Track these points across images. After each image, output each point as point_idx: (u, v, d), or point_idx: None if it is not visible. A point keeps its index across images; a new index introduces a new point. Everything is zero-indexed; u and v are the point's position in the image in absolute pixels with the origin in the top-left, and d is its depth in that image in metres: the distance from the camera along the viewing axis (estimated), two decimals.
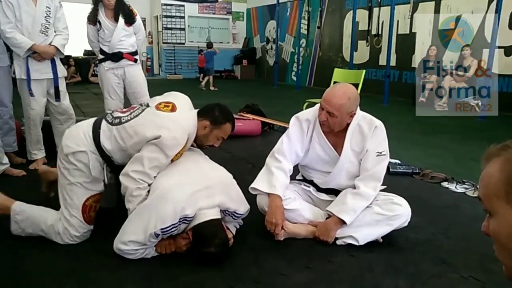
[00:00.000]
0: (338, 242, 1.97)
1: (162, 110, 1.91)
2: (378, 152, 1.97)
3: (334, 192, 2.12)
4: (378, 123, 2.01)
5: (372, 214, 1.94)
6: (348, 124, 1.99)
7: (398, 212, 1.94)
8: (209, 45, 10.77)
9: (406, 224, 1.99)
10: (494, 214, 0.77)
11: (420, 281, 1.66)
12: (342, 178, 2.07)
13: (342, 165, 2.03)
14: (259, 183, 2.04)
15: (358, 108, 2.01)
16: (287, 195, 2.05)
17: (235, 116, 4.52)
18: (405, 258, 1.86)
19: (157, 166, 1.82)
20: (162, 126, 1.82)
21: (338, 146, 2.03)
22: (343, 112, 1.91)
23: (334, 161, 2.04)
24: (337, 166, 2.03)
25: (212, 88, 10.18)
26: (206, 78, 10.39)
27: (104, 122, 1.95)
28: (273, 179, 2.00)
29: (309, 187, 2.18)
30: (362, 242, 1.93)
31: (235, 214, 1.94)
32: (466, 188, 2.77)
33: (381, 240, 1.98)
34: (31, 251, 1.86)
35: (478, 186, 0.81)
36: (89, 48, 3.93)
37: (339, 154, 2.02)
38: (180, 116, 1.92)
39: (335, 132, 2.01)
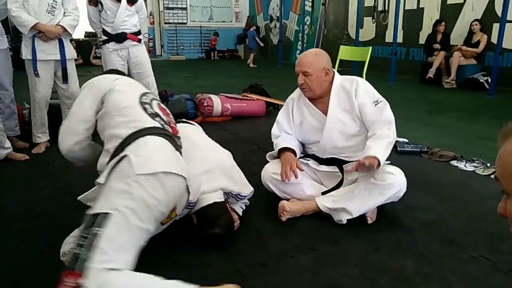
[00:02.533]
0: (336, 219, 1.94)
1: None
2: (374, 102, 1.99)
3: (335, 162, 2.11)
4: (359, 78, 2.06)
5: (365, 184, 1.91)
6: (330, 88, 2.04)
7: (390, 181, 1.89)
8: (251, 25, 11.63)
9: (400, 194, 1.94)
10: None
11: (428, 262, 1.63)
12: (336, 139, 2.06)
13: (331, 124, 2.04)
14: (269, 155, 2.20)
15: (337, 72, 2.08)
16: None
17: (238, 96, 4.54)
18: (413, 238, 1.83)
19: None
20: None
21: (327, 111, 2.06)
22: (315, 68, 1.99)
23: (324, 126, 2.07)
24: (326, 125, 2.04)
25: (252, 65, 10.86)
26: (251, 56, 11.19)
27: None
28: (278, 144, 2.12)
29: (308, 160, 2.18)
30: (356, 214, 1.91)
31: (239, 196, 1.91)
32: (475, 167, 2.72)
33: (374, 219, 1.94)
34: (38, 252, 1.84)
35: (495, 165, 0.76)
36: (90, 30, 3.90)
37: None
38: None
39: (318, 95, 2.05)
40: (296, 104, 2.16)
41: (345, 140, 2.06)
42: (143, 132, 1.45)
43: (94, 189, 1.43)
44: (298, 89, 2.17)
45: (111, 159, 1.42)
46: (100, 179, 1.37)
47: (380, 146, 1.87)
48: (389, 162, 2.04)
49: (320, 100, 2.07)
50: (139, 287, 1.19)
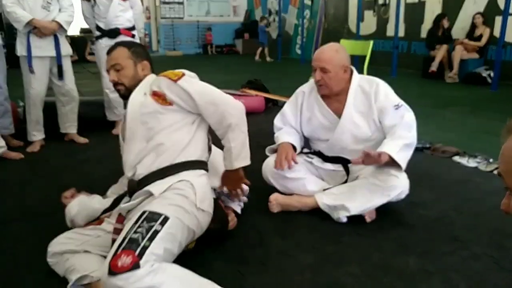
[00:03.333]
0: (335, 217, 1.91)
1: None
2: (395, 105, 1.91)
3: (341, 161, 2.07)
4: (379, 80, 1.99)
5: (367, 184, 1.88)
6: (348, 87, 1.98)
7: (394, 183, 1.85)
8: (261, 19, 11.49)
9: (403, 196, 1.91)
10: None
11: (431, 259, 1.61)
12: (346, 141, 2.02)
13: (343, 125, 1.99)
14: (268, 149, 2.15)
15: (356, 71, 2.01)
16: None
17: (237, 92, 4.50)
18: (415, 236, 1.80)
19: None
20: None
21: (340, 111, 2.00)
22: (334, 64, 1.91)
23: (335, 126, 2.01)
24: (339, 126, 2.00)
25: (268, 59, 10.84)
26: (259, 50, 11.10)
27: None
28: (278, 137, 2.10)
29: (312, 158, 2.14)
30: (354, 212, 1.87)
31: None
32: (478, 162, 2.68)
33: (374, 217, 1.92)
34: (35, 252, 1.82)
35: (498, 161, 0.73)
36: (85, 26, 3.89)
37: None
38: None
39: (334, 93, 1.99)
40: (306, 99, 2.10)
41: (355, 143, 2.00)
42: (203, 165, 1.61)
43: (137, 201, 1.47)
44: (309, 82, 2.11)
45: (167, 170, 1.51)
46: (155, 191, 1.43)
47: (396, 144, 1.81)
48: None
49: (335, 98, 2.01)
50: (183, 277, 1.25)
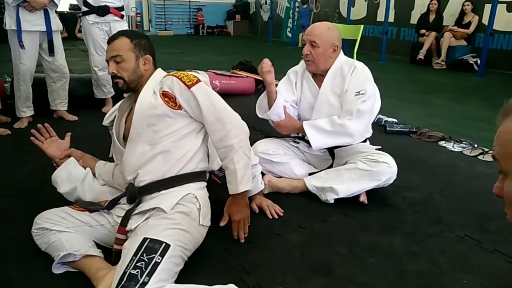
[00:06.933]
0: (323, 199, 1.94)
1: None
2: (356, 92, 1.92)
3: None
4: (359, 64, 2.00)
5: (356, 169, 1.90)
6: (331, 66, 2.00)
7: (381, 168, 1.88)
8: (304, 1, 10.74)
9: (391, 181, 1.94)
10: (510, 174, 0.70)
11: (416, 241, 1.64)
12: None
13: (320, 105, 2.01)
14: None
15: (342, 52, 2.02)
16: (277, 150, 2.07)
17: (227, 73, 4.45)
18: (401, 217, 1.84)
19: None
20: None
21: None
22: (324, 41, 1.94)
23: None
24: (316, 105, 2.03)
25: (300, 45, 10.15)
26: (301, 34, 10.49)
27: None
28: None
29: (298, 142, 2.15)
30: (342, 195, 1.89)
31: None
32: (463, 147, 2.74)
33: (366, 202, 1.93)
34: (22, 227, 1.80)
35: (493, 144, 0.73)
36: (75, 2, 3.75)
37: None
38: None
39: (320, 70, 2.01)
40: (299, 79, 2.11)
41: None
42: (204, 176, 1.59)
43: (145, 217, 1.42)
44: (301, 63, 2.12)
45: (173, 180, 1.48)
46: (165, 207, 1.40)
47: (315, 124, 1.91)
48: (380, 147, 2.04)
49: (320, 77, 2.03)
50: None
